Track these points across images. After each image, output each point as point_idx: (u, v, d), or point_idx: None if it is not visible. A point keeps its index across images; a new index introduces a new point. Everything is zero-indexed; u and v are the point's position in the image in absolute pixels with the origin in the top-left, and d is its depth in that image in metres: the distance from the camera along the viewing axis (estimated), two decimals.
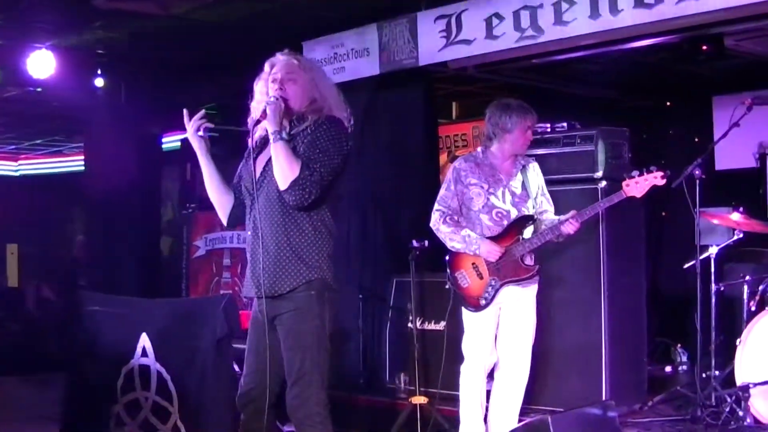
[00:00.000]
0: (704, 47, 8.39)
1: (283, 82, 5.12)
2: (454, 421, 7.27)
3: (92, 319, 8.03)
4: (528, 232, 6.80)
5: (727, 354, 7.81)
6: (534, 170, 6.96)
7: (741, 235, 8.05)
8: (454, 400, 7.26)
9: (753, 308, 7.75)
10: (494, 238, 6.71)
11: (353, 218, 9.89)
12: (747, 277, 8.00)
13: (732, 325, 8.31)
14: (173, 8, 9.19)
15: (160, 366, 7.35)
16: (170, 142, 13.99)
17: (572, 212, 6.67)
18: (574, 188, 7.80)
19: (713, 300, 7.84)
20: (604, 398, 7.60)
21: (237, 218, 5.43)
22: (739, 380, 7.21)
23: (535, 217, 6.85)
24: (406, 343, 8.66)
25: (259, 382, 5.20)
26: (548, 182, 7.13)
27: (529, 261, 6.81)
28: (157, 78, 11.88)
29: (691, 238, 7.64)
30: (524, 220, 6.79)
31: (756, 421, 7.03)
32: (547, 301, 7.42)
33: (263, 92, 5.21)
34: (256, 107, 5.18)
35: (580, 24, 7.98)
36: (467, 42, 8.79)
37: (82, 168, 13.99)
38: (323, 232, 5.14)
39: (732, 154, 10.31)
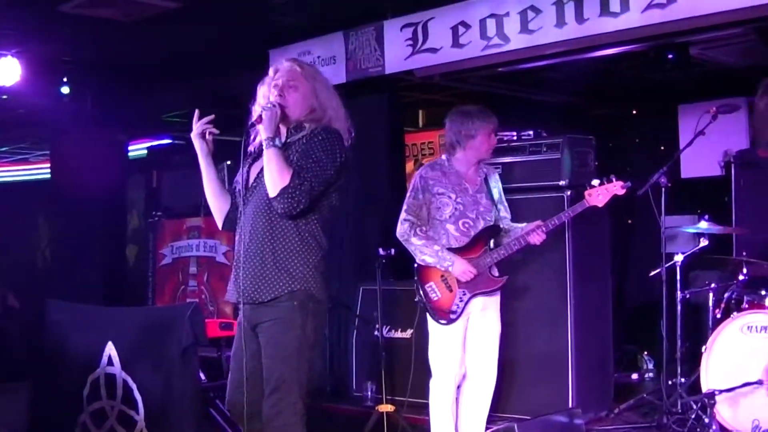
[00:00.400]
0: (670, 56, 8.42)
1: (283, 88, 5.10)
2: (422, 429, 7.26)
3: (58, 327, 7.97)
4: (494, 242, 6.78)
5: (692, 361, 7.83)
6: (495, 178, 6.94)
7: (706, 243, 8.07)
8: (421, 408, 7.25)
9: (718, 315, 7.76)
10: (461, 249, 6.65)
11: None
12: (712, 285, 8.03)
13: (698, 333, 8.34)
14: (137, 15, 9.14)
15: (126, 375, 7.30)
16: (137, 149, 13.94)
17: (537, 222, 6.64)
18: (539, 196, 7.81)
19: (679, 307, 7.87)
20: (570, 406, 7.61)
21: (231, 222, 5.32)
22: (705, 387, 7.22)
23: (501, 227, 6.83)
24: (373, 351, 8.64)
25: (248, 390, 5.12)
26: (514, 190, 7.15)
27: (496, 272, 6.79)
28: (123, 85, 11.82)
29: (657, 245, 7.66)
30: (490, 231, 6.75)
31: (721, 428, 7.04)
32: (514, 309, 7.43)
33: (265, 96, 5.19)
34: (256, 111, 5.14)
35: (546, 32, 8.00)
36: (434, 50, 8.81)
37: (48, 176, 13.90)
38: (310, 243, 5.08)
39: (697, 162, 10.36)
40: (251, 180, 5.16)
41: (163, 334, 7.24)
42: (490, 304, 6.78)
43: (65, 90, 11.43)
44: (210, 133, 5.23)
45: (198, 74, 11.13)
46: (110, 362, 7.40)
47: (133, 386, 7.25)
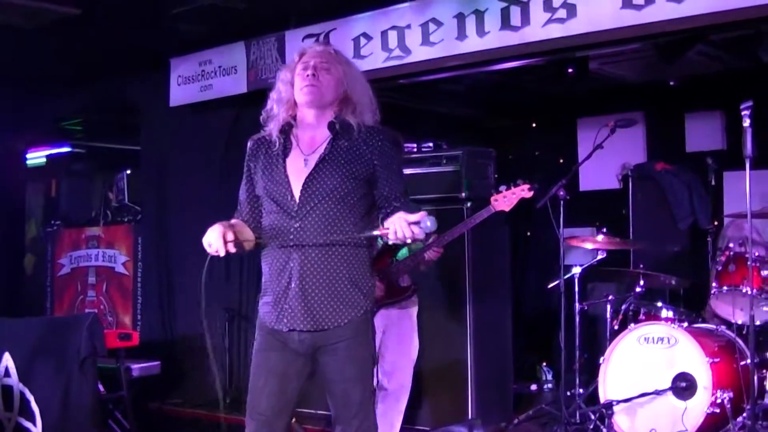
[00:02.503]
0: (569, 70, 8.46)
1: (316, 68, 4.64)
2: None
3: None
4: (401, 254, 6.77)
5: (590, 372, 7.91)
6: None
7: (604, 255, 8.14)
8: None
9: (616, 327, 7.84)
10: None
11: None
12: (610, 297, 8.11)
13: (595, 344, 8.43)
14: (39, 20, 8.97)
15: (23, 386, 7.20)
16: (35, 157, 13.70)
17: (434, 236, 6.63)
18: (439, 208, 7.80)
19: (577, 319, 7.92)
20: (470, 416, 7.62)
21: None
22: (603, 398, 7.29)
23: None
24: None
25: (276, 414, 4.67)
26: (414, 202, 7.11)
27: (404, 282, 6.78)
28: (21, 92, 11.61)
29: (555, 257, 7.70)
30: (397, 244, 6.73)
31: None
32: (418, 319, 7.42)
33: (288, 81, 4.73)
34: (282, 99, 4.74)
35: (447, 45, 8.00)
36: None
37: None
38: (366, 253, 4.70)
39: (596, 175, 10.47)
40: (296, 194, 4.56)
41: (62, 344, 7.15)
42: (404, 316, 6.84)
43: None
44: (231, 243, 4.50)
45: (97, 81, 10.96)
46: (7, 373, 7.30)
47: (30, 398, 7.15)
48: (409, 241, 4.25)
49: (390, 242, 4.38)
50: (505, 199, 6.59)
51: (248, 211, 4.81)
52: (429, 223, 4.17)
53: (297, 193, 4.57)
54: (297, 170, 4.62)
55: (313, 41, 4.73)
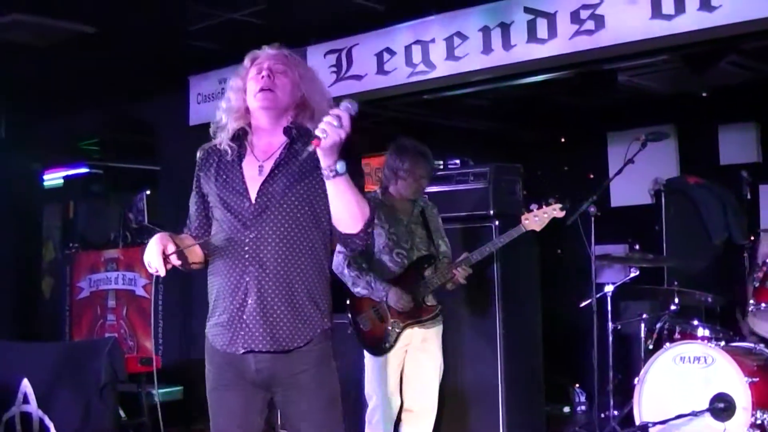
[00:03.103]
0: (597, 83, 8.47)
1: (272, 71, 4.35)
2: None
3: None
4: (429, 272, 6.76)
5: (625, 393, 7.87)
6: (433, 211, 6.97)
7: (637, 273, 8.12)
8: None
9: (650, 346, 7.80)
10: (395, 279, 6.66)
11: None
12: (643, 315, 8.07)
13: (629, 364, 8.39)
14: (52, 38, 9.03)
15: (43, 413, 7.22)
16: (52, 178, 13.75)
17: (464, 255, 6.68)
18: (467, 226, 7.82)
19: (610, 338, 7.90)
20: None
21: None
22: (638, 419, 7.25)
23: (436, 257, 6.84)
24: None
25: None
26: (441, 220, 7.14)
27: (430, 301, 6.79)
28: (38, 112, 11.69)
29: (587, 275, 7.68)
30: (424, 261, 6.77)
31: None
32: (445, 339, 7.41)
33: (239, 88, 4.44)
34: (232, 108, 4.43)
35: (472, 59, 8.03)
36: (358, 77, 8.80)
37: None
38: (324, 267, 4.37)
39: (627, 190, 10.43)
40: (253, 199, 4.26)
41: (81, 369, 7.16)
42: (430, 336, 6.79)
43: None
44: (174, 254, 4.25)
45: (114, 100, 11.02)
46: (26, 400, 7.32)
47: (50, 425, 7.18)
48: (343, 135, 3.93)
49: (327, 145, 3.91)
50: (536, 219, 6.59)
51: (197, 226, 4.52)
52: (350, 104, 4.01)
53: (253, 201, 4.26)
54: (251, 177, 4.32)
55: (271, 50, 4.28)
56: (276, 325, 4.19)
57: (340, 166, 3.99)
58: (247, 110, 4.44)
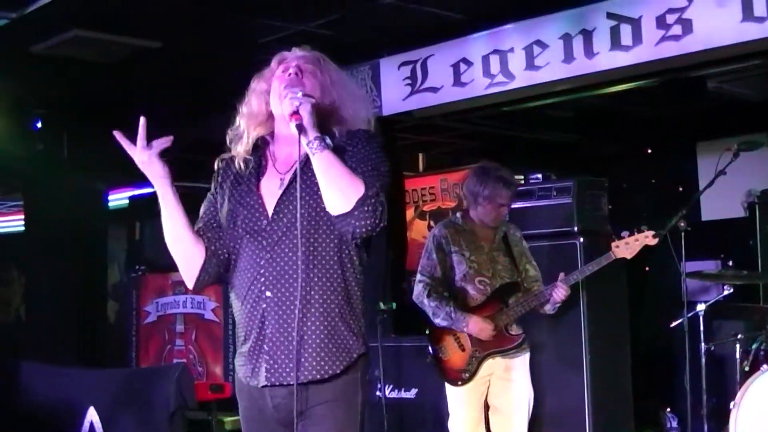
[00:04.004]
0: (686, 90, 8.43)
1: (301, 70, 4.01)
2: None
3: (32, 392, 7.96)
4: (513, 300, 6.76)
5: (720, 418, 7.78)
6: (516, 235, 6.98)
7: (730, 290, 8.05)
8: None
9: (746, 368, 7.72)
10: (477, 307, 6.67)
11: None
12: (738, 335, 7.99)
13: (724, 387, 8.30)
14: (115, 54, 9.15)
15: None
16: (117, 199, 13.90)
17: (561, 275, 6.69)
18: (550, 244, 7.81)
19: (703, 360, 7.82)
20: None
21: (209, 278, 4.12)
22: None
23: (522, 284, 6.84)
24: (375, 412, 8.59)
25: None
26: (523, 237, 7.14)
27: (514, 330, 6.77)
28: (102, 130, 11.79)
29: (677, 294, 7.64)
30: (508, 288, 6.77)
31: None
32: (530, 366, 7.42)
33: (262, 91, 4.11)
34: (253, 113, 4.12)
35: (553, 69, 8.02)
36: (434, 89, 8.82)
37: (22, 228, 13.87)
38: (356, 289, 4.01)
39: (719, 203, 10.35)
40: (270, 213, 3.94)
41: (149, 397, 7.23)
42: (516, 366, 6.77)
43: (40, 135, 11.43)
44: (165, 142, 4.08)
45: (182, 118, 11.13)
46: (92, 429, 7.39)
47: None
48: (312, 101, 3.77)
49: (307, 114, 3.75)
50: (627, 246, 6.58)
51: (203, 225, 4.14)
52: (297, 104, 3.76)
53: (270, 218, 3.93)
54: (271, 193, 3.98)
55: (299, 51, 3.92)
56: (303, 353, 3.84)
57: (328, 138, 3.79)
58: (269, 116, 4.11)
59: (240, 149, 4.09)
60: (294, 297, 3.81)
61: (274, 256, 3.89)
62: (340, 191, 3.75)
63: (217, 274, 4.11)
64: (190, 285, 4.17)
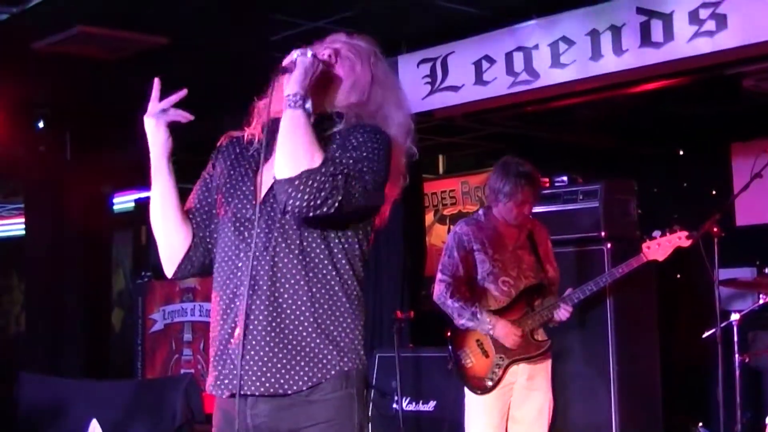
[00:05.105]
0: (720, 89, 8.43)
1: (338, 54, 3.78)
2: None
3: (33, 404, 7.99)
4: (538, 302, 6.74)
5: None
6: (542, 233, 6.92)
7: (767, 299, 8.05)
8: None
9: None
10: (501, 310, 6.62)
11: None
12: None
13: (760, 401, 8.31)
14: (122, 52, 9.18)
15: None
16: (123, 202, 13.93)
17: (568, 290, 6.68)
18: (577, 250, 7.82)
19: (737, 372, 7.82)
20: None
21: (192, 268, 3.89)
22: None
23: (547, 285, 6.82)
24: (391, 426, 8.61)
25: None
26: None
27: (540, 336, 6.75)
28: (106, 130, 11.83)
29: (709, 303, 7.64)
30: (534, 291, 6.73)
31: None
32: (553, 375, 7.42)
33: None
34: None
35: (580, 66, 8.02)
36: (454, 88, 8.82)
37: (23, 232, 13.92)
38: (354, 295, 3.65)
39: (754, 207, 10.33)
40: (260, 197, 3.63)
41: (155, 409, 7.26)
42: (538, 372, 6.74)
43: (41, 136, 11.47)
44: (183, 117, 3.98)
45: (192, 120, 11.15)
46: None
47: None
48: (319, 68, 3.59)
49: (300, 69, 3.56)
50: (659, 248, 6.57)
51: (193, 198, 3.91)
52: (296, 55, 3.60)
53: (258, 205, 3.62)
54: (268, 182, 3.60)
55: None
56: (269, 362, 3.53)
57: (309, 104, 3.50)
58: None
59: (256, 124, 3.85)
60: (267, 296, 3.54)
61: (256, 249, 3.58)
62: (290, 154, 3.43)
63: (201, 265, 3.87)
64: (169, 273, 3.91)
